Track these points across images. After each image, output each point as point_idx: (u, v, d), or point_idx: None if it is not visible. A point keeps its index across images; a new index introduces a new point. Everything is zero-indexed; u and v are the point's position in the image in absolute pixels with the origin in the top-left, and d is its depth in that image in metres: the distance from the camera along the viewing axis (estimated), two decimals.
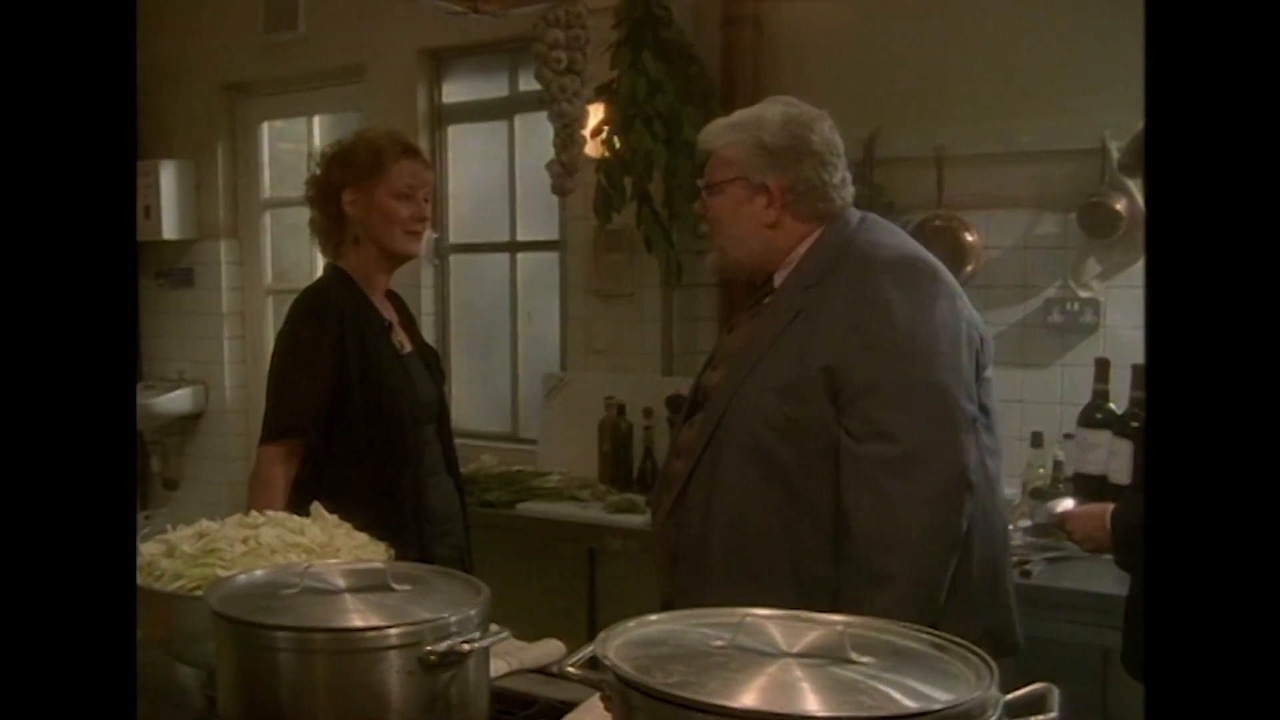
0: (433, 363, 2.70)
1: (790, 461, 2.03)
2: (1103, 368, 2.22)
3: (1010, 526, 2.42)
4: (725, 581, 2.04)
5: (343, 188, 2.54)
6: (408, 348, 2.61)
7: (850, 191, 2.20)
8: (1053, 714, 1.12)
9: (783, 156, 2.13)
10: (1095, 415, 2.21)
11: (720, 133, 2.20)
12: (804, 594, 1.96)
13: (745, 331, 2.19)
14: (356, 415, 2.45)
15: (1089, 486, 2.27)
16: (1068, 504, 2.43)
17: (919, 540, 1.94)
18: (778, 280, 2.17)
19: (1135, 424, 2.08)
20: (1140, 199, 3.26)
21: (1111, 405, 2.21)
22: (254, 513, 1.84)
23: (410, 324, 2.72)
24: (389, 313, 2.62)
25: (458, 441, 2.75)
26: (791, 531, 2.03)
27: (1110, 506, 2.16)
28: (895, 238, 2.18)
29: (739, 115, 2.22)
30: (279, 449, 2.46)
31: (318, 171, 2.62)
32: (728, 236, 2.20)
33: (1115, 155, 3.28)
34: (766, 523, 2.04)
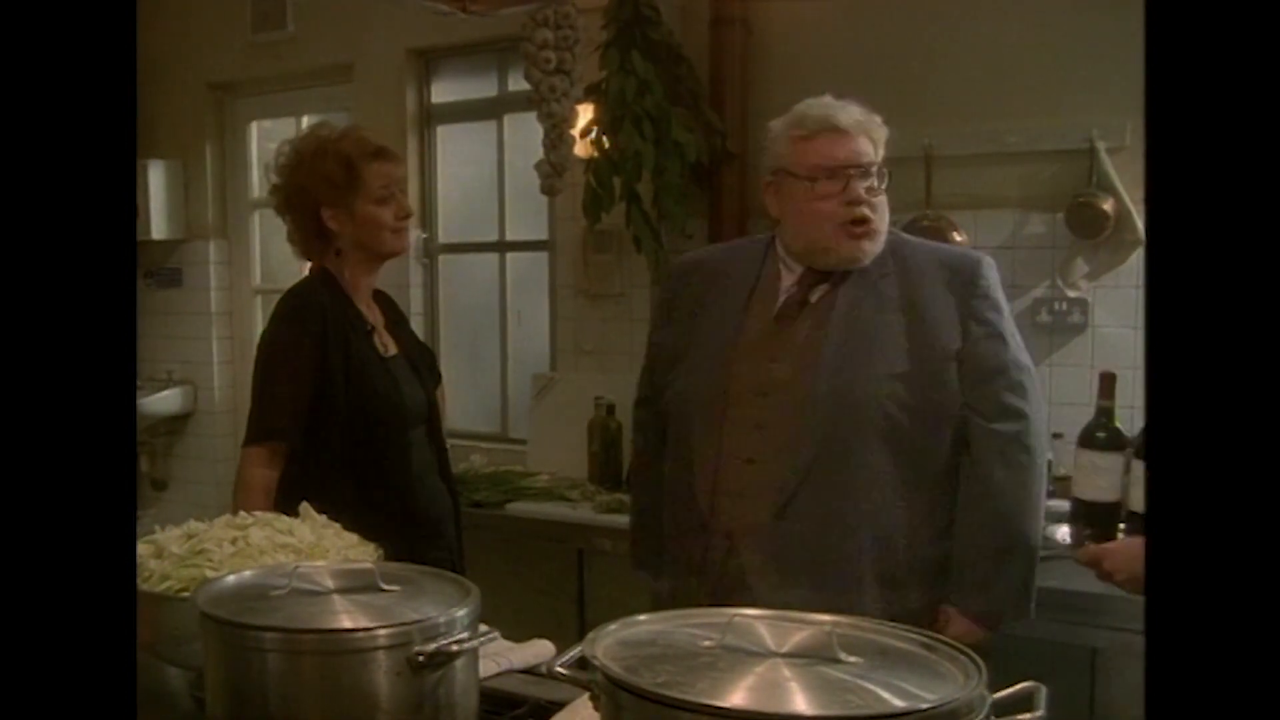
0: (424, 365, 2.67)
1: (920, 446, 2.13)
2: (1107, 382, 2.05)
3: None
4: (870, 578, 2.10)
5: (319, 205, 2.51)
6: (392, 350, 2.59)
7: None
8: (1040, 713, 1.12)
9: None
10: (1097, 435, 2.06)
11: (869, 117, 2.22)
12: (909, 576, 2.11)
13: (810, 323, 2.18)
14: (339, 418, 2.44)
15: (1097, 515, 2.13)
16: (1064, 531, 2.42)
17: (1039, 508, 2.16)
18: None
19: None
20: (1128, 199, 3.27)
21: (1118, 425, 2.10)
22: (242, 513, 1.83)
23: (400, 325, 2.70)
24: (374, 315, 2.61)
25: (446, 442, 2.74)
26: (913, 514, 2.12)
27: None
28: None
29: (856, 103, 2.23)
30: (262, 451, 2.44)
31: (277, 180, 2.59)
32: (885, 220, 2.21)
33: (1103, 155, 3.30)
34: (904, 511, 2.12)
